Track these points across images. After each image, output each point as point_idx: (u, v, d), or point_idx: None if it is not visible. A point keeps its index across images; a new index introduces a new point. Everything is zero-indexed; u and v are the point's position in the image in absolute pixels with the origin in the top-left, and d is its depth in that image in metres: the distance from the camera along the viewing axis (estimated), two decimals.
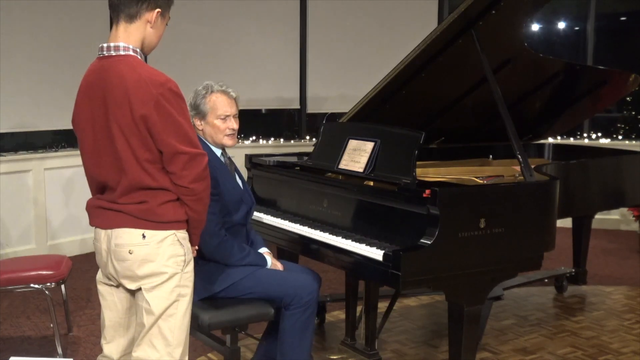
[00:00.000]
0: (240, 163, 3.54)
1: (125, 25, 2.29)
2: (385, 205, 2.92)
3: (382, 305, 3.64)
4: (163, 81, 2.21)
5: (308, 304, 2.89)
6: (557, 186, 3.11)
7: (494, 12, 3.31)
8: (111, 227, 2.30)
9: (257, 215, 3.43)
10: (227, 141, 2.97)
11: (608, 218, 6.85)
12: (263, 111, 7.53)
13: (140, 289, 2.30)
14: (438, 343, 3.88)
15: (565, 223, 4.13)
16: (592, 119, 7.09)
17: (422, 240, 2.69)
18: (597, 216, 5.10)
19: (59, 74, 5.64)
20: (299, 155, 3.94)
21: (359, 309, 3.62)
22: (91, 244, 2.57)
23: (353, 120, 3.69)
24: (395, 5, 7.05)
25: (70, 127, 2.42)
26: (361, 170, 3.15)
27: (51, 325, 3.85)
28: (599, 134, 7.25)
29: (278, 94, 6.99)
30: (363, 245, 2.84)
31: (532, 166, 3.23)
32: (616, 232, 6.84)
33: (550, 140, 5.49)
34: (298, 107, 7.16)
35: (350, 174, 3.21)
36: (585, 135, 7.25)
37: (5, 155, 5.47)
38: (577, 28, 7.95)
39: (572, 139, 7.14)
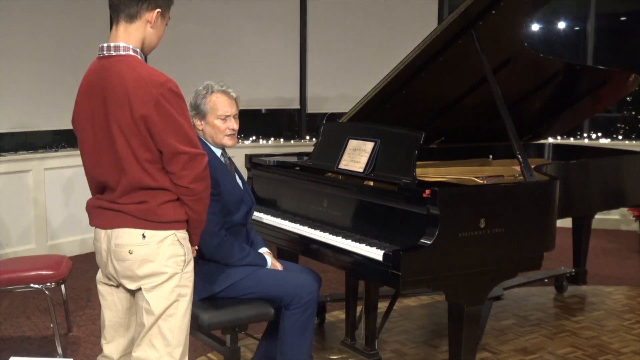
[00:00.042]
0: (240, 163, 3.54)
1: (126, 25, 2.29)
2: (385, 205, 2.92)
3: (382, 305, 3.64)
4: (163, 81, 2.21)
5: (308, 304, 2.89)
6: (557, 186, 3.11)
7: (494, 12, 3.31)
8: (111, 227, 2.30)
9: (257, 215, 3.43)
10: (227, 141, 2.97)
11: (608, 218, 6.85)
12: (263, 111, 7.53)
13: (140, 289, 2.30)
14: (438, 343, 3.88)
15: (565, 223, 4.13)
16: (592, 119, 7.10)
17: (422, 240, 2.69)
18: (597, 216, 5.11)
19: (59, 74, 5.64)
20: (299, 155, 3.94)
21: (359, 309, 3.62)
22: (91, 244, 2.57)
23: (353, 120, 3.69)
24: (395, 5, 7.05)
25: (70, 127, 2.42)
26: (361, 170, 3.15)
27: (51, 325, 3.85)
28: (599, 134, 7.25)
29: (278, 94, 6.99)
30: (363, 245, 2.84)
31: (532, 166, 3.23)
32: (616, 232, 6.84)
33: (550, 140, 5.49)
34: (298, 107, 7.16)
35: (350, 174, 3.21)
36: (585, 135, 7.25)
37: (5, 155, 5.48)
38: (577, 28, 7.95)
39: (572, 139, 7.15)
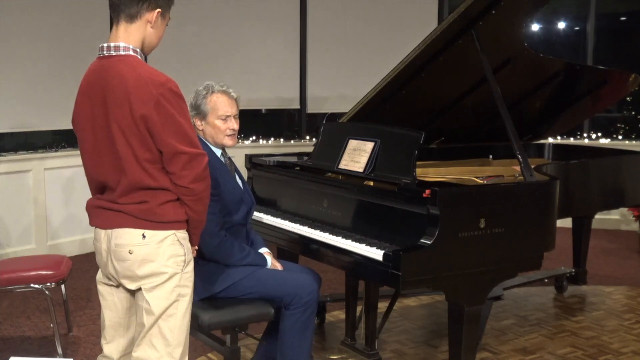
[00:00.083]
0: (240, 163, 3.54)
1: (126, 25, 2.29)
2: (385, 205, 2.92)
3: (382, 305, 3.64)
4: (163, 81, 2.21)
5: (308, 304, 2.89)
6: (557, 186, 3.11)
7: (494, 12, 3.31)
8: (111, 227, 2.30)
9: (257, 215, 3.43)
10: (228, 141, 2.97)
11: (608, 218, 6.85)
12: (263, 111, 7.53)
13: (140, 289, 2.30)
14: (438, 343, 3.88)
15: (565, 223, 4.13)
16: (592, 119, 7.09)
17: (422, 240, 2.69)
18: (597, 216, 5.11)
19: (59, 74, 5.64)
20: (299, 155, 3.94)
21: (359, 309, 3.62)
22: (91, 244, 2.57)
23: (353, 120, 3.69)
24: (395, 6, 7.06)
25: (70, 127, 2.42)
26: (361, 170, 3.15)
27: (51, 325, 3.85)
28: (599, 134, 7.25)
29: (278, 94, 6.99)
30: (363, 245, 2.84)
31: (532, 166, 3.23)
32: (616, 232, 6.84)
33: (550, 140, 5.49)
34: (298, 107, 7.16)
35: (350, 174, 3.22)
36: (585, 135, 7.25)
37: (5, 155, 5.48)
38: (577, 28, 7.95)
39: (572, 139, 7.15)
